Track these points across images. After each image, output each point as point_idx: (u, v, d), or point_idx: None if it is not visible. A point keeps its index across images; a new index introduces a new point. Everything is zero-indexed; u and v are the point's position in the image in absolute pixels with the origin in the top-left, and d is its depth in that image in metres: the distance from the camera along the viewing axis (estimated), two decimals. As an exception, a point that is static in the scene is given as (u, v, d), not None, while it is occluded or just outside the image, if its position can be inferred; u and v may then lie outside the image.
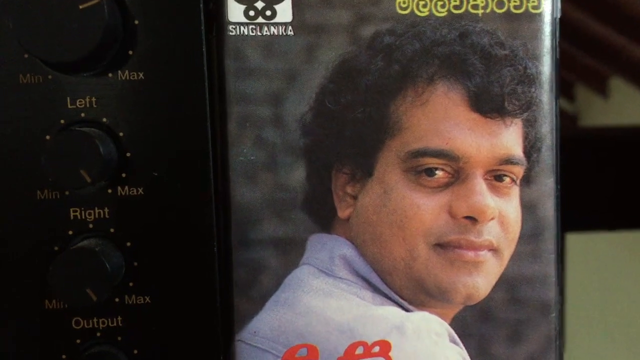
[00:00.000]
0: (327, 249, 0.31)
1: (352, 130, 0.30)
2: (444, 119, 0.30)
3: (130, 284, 0.29)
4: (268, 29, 0.30)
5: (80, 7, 0.26)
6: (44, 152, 0.27)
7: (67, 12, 0.26)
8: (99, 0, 0.26)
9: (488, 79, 0.30)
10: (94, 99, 0.29)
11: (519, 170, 0.31)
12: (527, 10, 0.30)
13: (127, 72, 0.29)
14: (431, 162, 0.31)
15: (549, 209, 0.31)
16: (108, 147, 0.28)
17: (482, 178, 0.31)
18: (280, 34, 0.30)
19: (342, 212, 0.31)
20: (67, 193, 0.29)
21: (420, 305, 0.31)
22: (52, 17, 0.26)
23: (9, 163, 0.29)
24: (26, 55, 0.28)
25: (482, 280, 0.31)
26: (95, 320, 0.29)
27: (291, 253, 0.31)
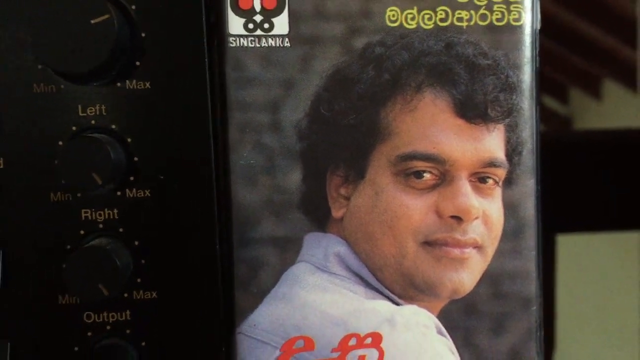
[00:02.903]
0: (322, 246, 0.33)
1: (345, 135, 0.32)
2: (431, 124, 0.32)
3: (138, 280, 0.31)
4: (266, 40, 0.32)
5: (92, 21, 0.28)
6: (58, 157, 0.29)
7: (79, 26, 0.28)
8: (110, 15, 0.28)
9: (472, 87, 0.32)
10: (103, 107, 0.31)
11: (501, 173, 0.33)
12: (508, 22, 0.32)
13: (134, 81, 0.31)
14: (419, 165, 0.33)
15: (529, 208, 0.33)
16: (117, 152, 0.30)
17: (466, 180, 0.33)
18: (278, 45, 0.32)
19: (336, 212, 0.33)
20: (78, 195, 0.31)
21: (410, 299, 0.33)
22: (65, 31, 0.28)
23: (25, 167, 0.31)
24: (40, 66, 0.30)
25: (467, 275, 0.33)
26: (105, 314, 0.31)
27: (288, 251, 0.33)
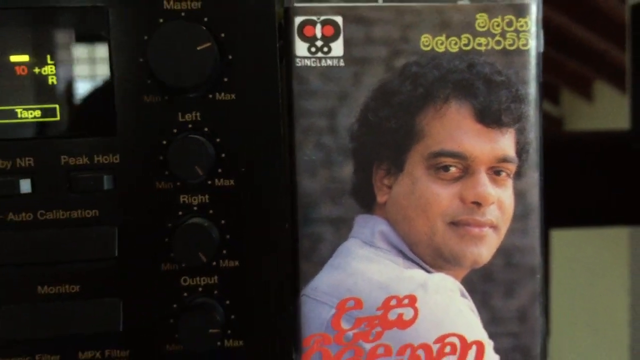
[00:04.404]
0: (369, 226, 0.41)
1: (387, 136, 0.40)
2: (457, 128, 0.40)
3: (224, 252, 0.39)
4: (325, 61, 0.40)
5: (198, 48, 0.36)
6: (167, 153, 0.37)
7: (187, 51, 0.36)
8: (211, 43, 0.36)
9: (489, 98, 0.40)
10: (198, 114, 0.38)
11: (512, 167, 0.41)
12: (518, 47, 0.41)
13: (222, 93, 0.38)
14: (447, 161, 0.40)
15: (534, 196, 0.41)
16: (210, 149, 0.38)
17: (485, 173, 0.41)
18: (334, 64, 0.40)
19: (381, 198, 0.41)
20: (178, 184, 0.39)
21: (439, 268, 0.41)
22: (176, 54, 0.36)
23: (135, 161, 0.38)
24: (149, 81, 0.38)
25: (485, 249, 0.41)
26: (198, 278, 0.39)
27: (342, 229, 0.41)
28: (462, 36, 0.40)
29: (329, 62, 0.40)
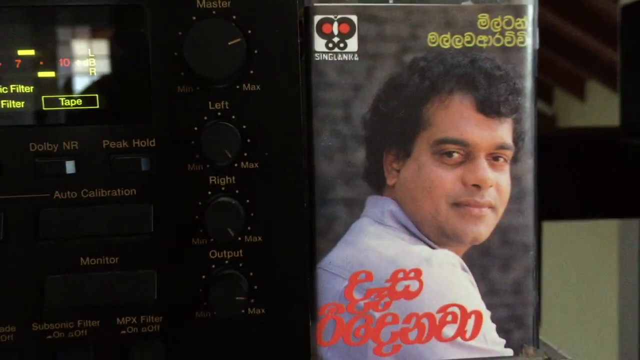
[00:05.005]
0: (379, 206, 0.45)
1: (397, 125, 0.44)
2: (459, 118, 0.45)
3: (248, 228, 0.43)
4: (341, 55, 0.44)
5: (229, 43, 0.40)
6: (200, 137, 0.41)
7: (220, 47, 0.40)
8: (241, 39, 0.40)
9: (489, 91, 0.44)
10: (227, 103, 0.42)
11: (509, 153, 0.45)
12: (516, 45, 0.45)
13: (249, 84, 0.42)
14: (450, 147, 0.45)
15: (529, 179, 0.46)
16: (238, 135, 0.42)
17: (484, 158, 0.45)
18: (349, 59, 0.44)
19: (390, 181, 0.45)
20: (207, 166, 0.42)
21: (442, 245, 0.45)
22: (210, 49, 0.40)
23: (169, 145, 0.42)
24: (182, 73, 0.42)
25: (484, 228, 0.45)
26: (225, 252, 0.43)
27: (355, 209, 0.45)
28: (465, 34, 0.44)
29: (345, 57, 0.44)
